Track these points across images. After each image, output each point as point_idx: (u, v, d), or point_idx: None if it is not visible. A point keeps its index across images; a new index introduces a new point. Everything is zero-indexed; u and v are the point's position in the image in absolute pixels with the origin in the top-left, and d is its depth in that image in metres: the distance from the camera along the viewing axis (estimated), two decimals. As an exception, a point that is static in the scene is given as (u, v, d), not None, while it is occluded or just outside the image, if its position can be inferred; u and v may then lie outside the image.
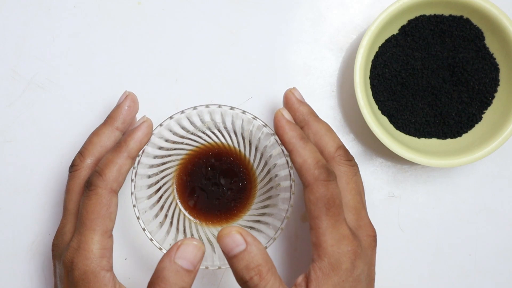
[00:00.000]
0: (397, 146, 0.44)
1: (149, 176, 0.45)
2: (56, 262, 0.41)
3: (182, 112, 0.43)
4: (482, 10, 0.44)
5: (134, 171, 0.43)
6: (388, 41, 0.46)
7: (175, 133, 0.45)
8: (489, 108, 0.46)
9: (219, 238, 0.36)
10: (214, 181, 0.47)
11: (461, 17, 0.45)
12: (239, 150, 0.47)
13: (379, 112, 0.47)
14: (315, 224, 0.38)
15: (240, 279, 0.37)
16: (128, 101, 0.43)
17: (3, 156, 0.49)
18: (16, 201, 0.49)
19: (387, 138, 0.44)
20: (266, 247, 0.43)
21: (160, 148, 0.45)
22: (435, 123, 0.46)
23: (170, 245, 0.44)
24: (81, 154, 0.42)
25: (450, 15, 0.46)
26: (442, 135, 0.47)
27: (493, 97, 0.46)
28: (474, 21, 0.45)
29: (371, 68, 0.46)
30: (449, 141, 0.47)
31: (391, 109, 0.46)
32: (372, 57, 0.46)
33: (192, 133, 0.46)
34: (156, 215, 0.45)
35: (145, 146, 0.43)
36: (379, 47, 0.46)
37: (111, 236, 0.39)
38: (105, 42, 0.49)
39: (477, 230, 0.49)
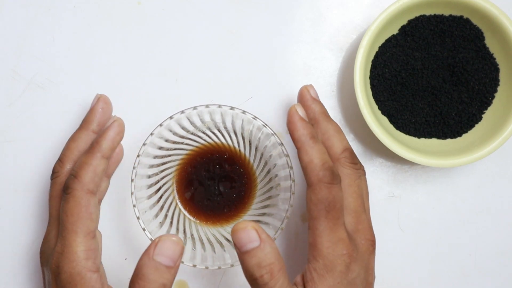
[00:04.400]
0: (397, 146, 0.44)
1: (149, 176, 0.45)
2: (44, 268, 0.41)
3: (182, 112, 0.43)
4: (482, 10, 0.44)
5: (134, 171, 0.43)
6: (388, 41, 0.46)
7: (175, 133, 0.45)
8: (489, 108, 0.46)
9: (233, 232, 0.36)
10: (213, 180, 0.47)
11: (461, 17, 0.45)
12: (239, 150, 0.47)
13: (379, 112, 0.46)
14: (313, 224, 0.38)
15: (249, 275, 0.37)
16: (101, 103, 0.43)
17: (3, 156, 0.49)
18: (16, 201, 0.49)
19: (387, 138, 0.44)
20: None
21: (160, 148, 0.45)
22: (435, 123, 0.46)
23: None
24: (60, 160, 0.42)
25: (450, 15, 0.45)
26: (442, 135, 0.47)
27: (493, 97, 0.46)
28: (474, 21, 0.45)
29: (371, 68, 0.46)
30: (449, 141, 0.47)
31: (391, 109, 0.46)
32: (372, 57, 0.46)
33: (192, 133, 0.46)
34: (156, 215, 0.45)
35: (145, 146, 0.43)
36: (379, 47, 0.46)
37: (94, 237, 0.39)
38: (105, 42, 0.49)
39: (477, 230, 0.49)
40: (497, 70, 0.46)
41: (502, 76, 0.45)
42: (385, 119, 0.47)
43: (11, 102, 0.49)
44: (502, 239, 0.49)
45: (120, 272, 0.47)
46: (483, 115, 0.46)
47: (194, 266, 0.43)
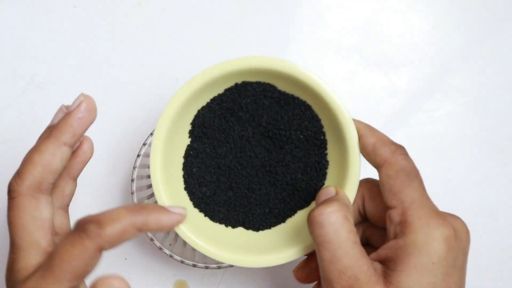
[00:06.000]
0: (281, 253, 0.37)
1: (149, 176, 0.45)
2: None
3: (182, 112, 0.43)
4: (248, 68, 0.36)
5: (134, 171, 0.43)
6: (187, 156, 0.39)
7: (175, 133, 0.45)
8: (328, 147, 0.38)
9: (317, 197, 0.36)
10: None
11: (236, 84, 0.38)
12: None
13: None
14: (398, 199, 0.33)
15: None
16: (81, 109, 0.33)
17: (3, 156, 0.49)
18: (16, 201, 0.48)
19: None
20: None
21: (160, 148, 0.45)
22: (290, 199, 0.39)
23: (170, 245, 0.44)
24: (18, 175, 0.32)
25: (226, 90, 0.38)
26: (305, 204, 0.39)
27: (323, 134, 0.38)
28: (250, 78, 0.37)
29: (188, 194, 0.39)
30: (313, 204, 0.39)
31: (241, 217, 0.39)
32: (178, 184, 0.39)
33: (192, 133, 0.46)
34: (156, 215, 0.45)
35: (145, 146, 0.43)
36: (183, 169, 0.39)
37: (51, 245, 0.32)
38: (105, 42, 0.49)
39: (477, 230, 0.49)
40: (308, 107, 0.38)
41: (316, 108, 0.38)
42: (239, 230, 0.39)
43: (11, 102, 0.49)
44: (502, 239, 0.49)
45: (119, 272, 0.47)
46: (327, 158, 0.38)
47: (194, 266, 0.43)
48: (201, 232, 0.37)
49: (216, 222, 0.39)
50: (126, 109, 0.48)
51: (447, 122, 0.50)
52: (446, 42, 0.50)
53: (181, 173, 0.39)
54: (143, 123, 0.48)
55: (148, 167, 0.45)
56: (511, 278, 0.49)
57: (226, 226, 0.39)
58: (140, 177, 0.44)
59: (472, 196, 0.49)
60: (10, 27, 0.49)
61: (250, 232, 0.39)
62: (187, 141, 0.39)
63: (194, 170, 0.39)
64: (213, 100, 0.38)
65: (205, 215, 0.39)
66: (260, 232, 0.39)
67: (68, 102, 0.49)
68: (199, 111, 0.38)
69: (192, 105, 0.37)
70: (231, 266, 0.43)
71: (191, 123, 0.38)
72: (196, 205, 0.39)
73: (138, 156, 0.43)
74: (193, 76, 0.36)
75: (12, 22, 0.49)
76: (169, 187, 0.37)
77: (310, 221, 0.33)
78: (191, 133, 0.39)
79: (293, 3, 0.49)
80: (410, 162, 0.34)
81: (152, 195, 0.45)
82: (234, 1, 0.49)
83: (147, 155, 0.44)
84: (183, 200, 0.38)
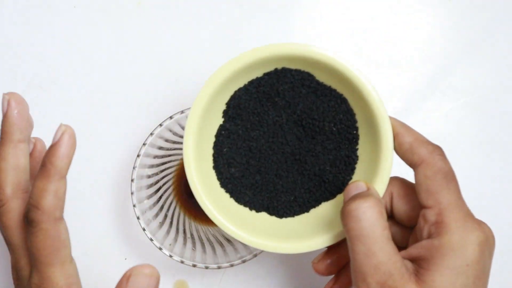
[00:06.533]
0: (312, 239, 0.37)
1: (149, 176, 0.45)
2: None
3: (182, 112, 0.43)
4: (289, 55, 0.36)
5: (134, 171, 0.43)
6: (218, 135, 0.39)
7: (175, 133, 0.45)
8: (360, 142, 0.39)
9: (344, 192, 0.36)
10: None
11: (276, 70, 0.37)
12: (239, 150, 0.47)
13: (253, 212, 0.40)
14: (435, 200, 0.34)
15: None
16: (13, 104, 0.37)
17: (3, 156, 0.49)
18: (16, 201, 0.49)
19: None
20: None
21: (160, 148, 0.45)
22: (315, 188, 0.39)
23: (170, 245, 0.44)
24: None
25: (264, 74, 0.38)
26: (330, 196, 0.39)
27: (356, 129, 0.38)
28: (292, 65, 0.37)
29: (218, 175, 0.39)
30: (339, 197, 0.39)
31: (265, 201, 0.39)
32: (209, 163, 0.39)
33: (192, 133, 0.46)
34: (156, 215, 0.45)
35: (145, 146, 0.43)
36: (213, 147, 0.39)
37: (71, 260, 0.36)
38: (105, 42, 0.49)
39: (477, 230, 0.49)
40: (344, 100, 0.38)
41: (352, 103, 0.38)
42: (262, 215, 0.40)
43: (11, 102, 0.49)
44: (502, 239, 0.49)
45: (120, 272, 0.47)
46: (357, 153, 0.39)
47: (194, 266, 0.43)
48: (225, 212, 0.38)
49: (240, 204, 0.39)
50: (126, 109, 0.48)
51: (447, 122, 0.50)
52: (446, 42, 0.50)
53: (211, 151, 0.39)
54: (143, 123, 0.48)
55: (148, 167, 0.45)
56: (511, 278, 0.49)
57: (250, 209, 0.39)
58: (140, 177, 0.44)
59: (472, 196, 0.49)
60: (10, 27, 0.49)
61: (273, 218, 0.39)
62: (220, 120, 0.39)
63: (225, 150, 0.39)
64: (251, 82, 0.38)
65: (231, 196, 0.39)
66: (283, 219, 0.39)
67: (68, 102, 0.49)
68: (235, 92, 0.38)
69: (229, 86, 0.38)
70: (231, 266, 0.43)
71: (226, 103, 0.38)
72: (223, 185, 0.39)
73: (138, 156, 0.43)
74: (228, 60, 0.37)
75: (12, 22, 0.49)
76: (199, 164, 0.37)
77: (346, 214, 0.34)
78: (225, 113, 0.39)
79: (293, 3, 0.49)
80: (448, 164, 0.35)
81: (152, 195, 0.45)
82: (234, 1, 0.49)
83: (147, 155, 0.44)
84: (211, 179, 0.39)
